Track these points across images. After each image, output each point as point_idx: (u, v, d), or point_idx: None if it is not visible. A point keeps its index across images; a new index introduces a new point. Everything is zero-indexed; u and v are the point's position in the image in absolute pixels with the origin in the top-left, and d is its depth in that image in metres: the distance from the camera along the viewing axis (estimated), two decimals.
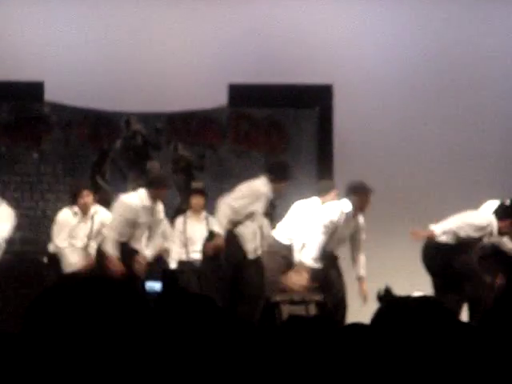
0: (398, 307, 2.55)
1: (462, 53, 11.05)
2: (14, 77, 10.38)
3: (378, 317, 2.53)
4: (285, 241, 9.06)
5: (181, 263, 9.23)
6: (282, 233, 9.15)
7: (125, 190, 10.72)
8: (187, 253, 9.24)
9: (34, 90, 10.53)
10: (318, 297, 8.18)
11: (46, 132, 10.67)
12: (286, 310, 8.01)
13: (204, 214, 9.45)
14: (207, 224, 9.32)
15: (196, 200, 9.41)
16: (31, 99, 10.62)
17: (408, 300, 2.49)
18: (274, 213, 10.22)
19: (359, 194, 8.90)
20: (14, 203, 9.99)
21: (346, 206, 8.87)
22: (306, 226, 8.84)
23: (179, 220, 9.46)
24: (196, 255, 9.23)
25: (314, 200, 9.24)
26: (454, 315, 2.27)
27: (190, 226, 9.33)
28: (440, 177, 10.85)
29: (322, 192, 9.25)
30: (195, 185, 10.75)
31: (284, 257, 8.94)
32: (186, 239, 9.26)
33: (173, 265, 9.22)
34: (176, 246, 9.28)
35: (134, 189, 10.68)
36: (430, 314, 2.24)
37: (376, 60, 11.07)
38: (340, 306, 8.72)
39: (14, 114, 10.62)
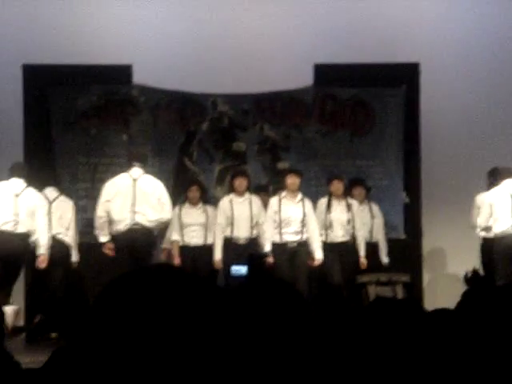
0: (485, 291, 2.54)
1: None
2: (102, 60, 10.56)
3: (465, 300, 2.52)
4: None
5: (274, 245, 9.01)
6: None
7: (212, 170, 10.84)
8: (281, 234, 9.04)
9: (123, 73, 10.68)
10: (405, 277, 8.11)
11: (134, 114, 10.83)
12: (373, 291, 7.96)
13: (300, 195, 9.24)
14: (303, 206, 9.15)
15: (291, 180, 9.18)
16: (120, 82, 10.78)
17: (494, 285, 2.49)
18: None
19: None
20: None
21: None
22: None
23: (274, 200, 9.23)
24: (290, 237, 9.05)
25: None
26: None
27: (285, 206, 9.12)
28: None
29: None
30: (282, 165, 10.79)
31: None
32: (280, 220, 9.03)
33: (267, 246, 9.00)
34: (270, 227, 9.05)
35: (221, 171, 10.82)
36: None
37: (463, 37, 10.90)
38: None
39: (103, 97, 10.79)
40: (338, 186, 9.35)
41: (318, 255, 8.93)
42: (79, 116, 10.73)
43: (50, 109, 10.65)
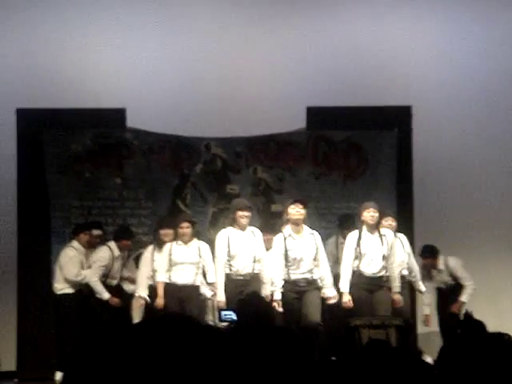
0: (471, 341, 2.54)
1: None
2: (96, 104, 10.63)
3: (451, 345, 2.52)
4: None
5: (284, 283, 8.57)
6: None
7: (205, 213, 10.85)
8: (288, 273, 8.61)
9: (116, 116, 10.74)
10: (397, 321, 8.08)
11: (128, 158, 10.85)
12: (366, 334, 7.93)
13: (307, 228, 8.87)
14: (313, 240, 8.78)
15: (296, 211, 8.78)
16: (113, 126, 10.83)
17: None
18: None
19: None
20: None
21: None
22: None
23: (279, 238, 8.76)
24: (299, 276, 8.63)
25: None
26: None
27: (293, 243, 8.70)
28: None
29: None
30: (275, 207, 10.80)
31: None
32: (288, 259, 8.58)
33: (273, 288, 8.57)
34: (276, 267, 8.62)
35: (215, 213, 10.81)
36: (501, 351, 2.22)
37: (455, 80, 10.98)
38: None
39: (96, 141, 10.82)
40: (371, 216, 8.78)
41: (331, 293, 8.62)
42: (73, 160, 10.75)
43: (44, 153, 10.68)
